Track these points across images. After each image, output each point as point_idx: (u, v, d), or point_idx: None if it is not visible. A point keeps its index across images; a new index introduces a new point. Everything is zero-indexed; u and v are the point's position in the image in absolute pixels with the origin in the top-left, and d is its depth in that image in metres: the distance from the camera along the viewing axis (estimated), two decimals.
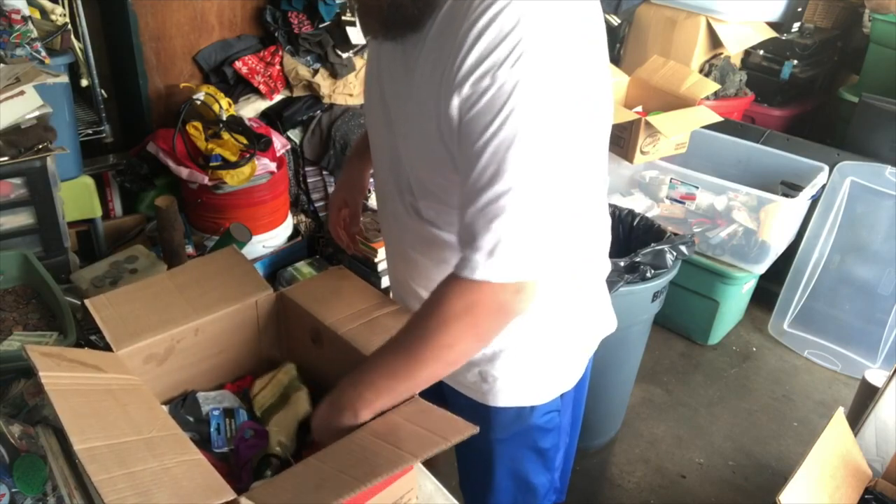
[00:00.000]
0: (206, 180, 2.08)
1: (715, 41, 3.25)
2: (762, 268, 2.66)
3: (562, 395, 1.22)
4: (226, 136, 2.16)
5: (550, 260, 0.87)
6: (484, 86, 0.81)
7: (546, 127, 0.82)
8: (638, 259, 1.93)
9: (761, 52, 3.46)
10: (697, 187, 2.70)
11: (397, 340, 0.94)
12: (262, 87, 2.37)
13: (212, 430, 1.08)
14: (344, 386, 0.93)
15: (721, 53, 3.33)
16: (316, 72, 2.39)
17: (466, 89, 0.83)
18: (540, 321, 1.12)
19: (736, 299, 2.81)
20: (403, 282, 1.19)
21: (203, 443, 1.07)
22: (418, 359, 0.90)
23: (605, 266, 1.22)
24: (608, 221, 1.19)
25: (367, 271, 2.19)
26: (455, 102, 0.85)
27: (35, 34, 1.74)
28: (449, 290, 0.88)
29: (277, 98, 2.42)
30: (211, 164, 2.08)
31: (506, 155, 0.81)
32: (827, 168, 2.68)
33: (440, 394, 1.11)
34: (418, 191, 1.04)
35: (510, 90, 0.80)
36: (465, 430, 0.86)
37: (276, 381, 1.17)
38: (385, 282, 2.19)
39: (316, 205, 2.45)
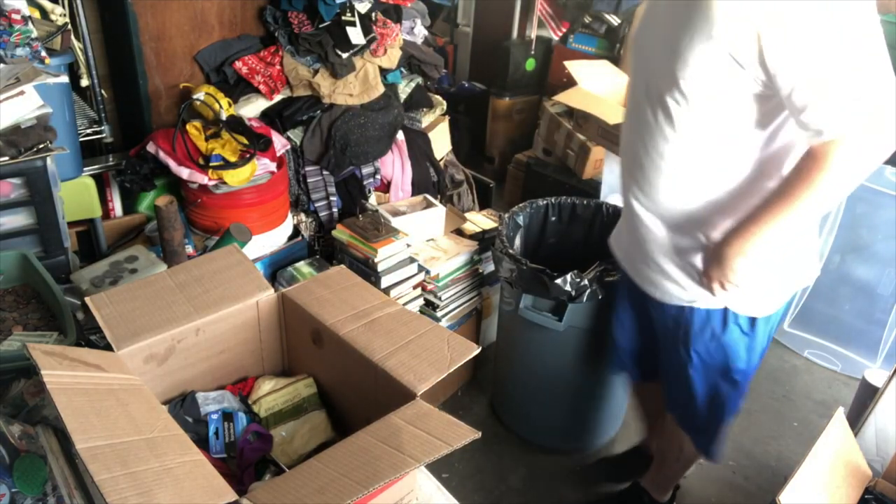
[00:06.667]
0: (206, 180, 2.08)
1: None
2: None
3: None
4: (226, 136, 2.16)
5: None
6: None
7: None
8: None
9: None
10: None
11: None
12: (262, 87, 2.37)
13: (210, 434, 1.08)
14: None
15: None
16: (316, 72, 2.39)
17: None
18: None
19: None
20: None
21: (201, 443, 1.07)
22: None
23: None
24: None
25: (368, 271, 2.19)
26: None
27: (35, 34, 1.74)
28: None
29: (277, 98, 2.42)
30: (211, 164, 2.08)
31: None
32: None
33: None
34: None
35: None
36: (467, 434, 0.86)
37: (293, 389, 1.17)
38: (385, 282, 2.19)
39: (316, 205, 2.45)
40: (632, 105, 1.44)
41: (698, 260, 1.42)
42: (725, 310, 1.47)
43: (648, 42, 1.35)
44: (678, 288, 1.48)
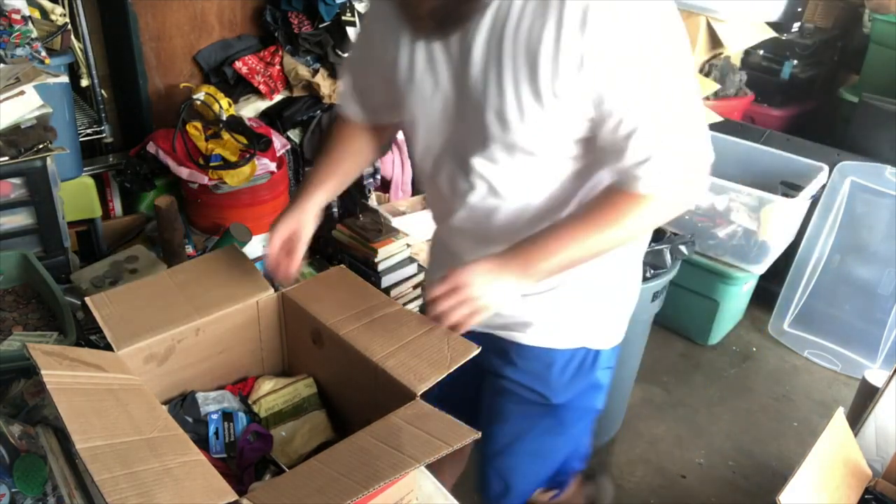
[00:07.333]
0: (206, 180, 2.08)
1: (715, 41, 3.25)
2: (762, 268, 2.66)
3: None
4: (226, 136, 2.16)
5: None
6: None
7: None
8: None
9: (761, 52, 3.46)
10: None
11: None
12: (262, 87, 2.37)
13: (210, 434, 1.08)
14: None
15: (721, 53, 3.33)
16: (316, 72, 2.39)
17: None
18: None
19: (736, 299, 2.80)
20: None
21: (201, 443, 1.07)
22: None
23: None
24: None
25: (368, 271, 2.19)
26: None
27: (35, 34, 1.74)
28: None
29: (277, 98, 2.42)
30: (211, 164, 2.08)
31: None
32: (827, 168, 2.68)
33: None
34: None
35: None
36: (467, 434, 0.86)
37: (293, 389, 1.17)
38: (385, 282, 2.18)
39: None
40: (439, 164, 1.19)
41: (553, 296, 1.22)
42: (597, 351, 1.30)
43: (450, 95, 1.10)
44: (546, 328, 1.26)
